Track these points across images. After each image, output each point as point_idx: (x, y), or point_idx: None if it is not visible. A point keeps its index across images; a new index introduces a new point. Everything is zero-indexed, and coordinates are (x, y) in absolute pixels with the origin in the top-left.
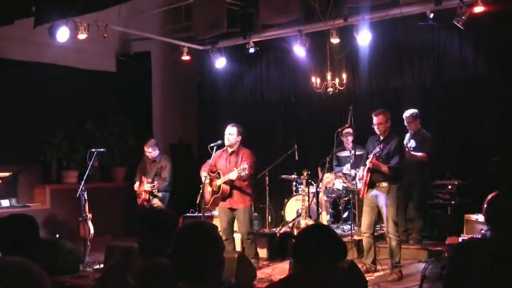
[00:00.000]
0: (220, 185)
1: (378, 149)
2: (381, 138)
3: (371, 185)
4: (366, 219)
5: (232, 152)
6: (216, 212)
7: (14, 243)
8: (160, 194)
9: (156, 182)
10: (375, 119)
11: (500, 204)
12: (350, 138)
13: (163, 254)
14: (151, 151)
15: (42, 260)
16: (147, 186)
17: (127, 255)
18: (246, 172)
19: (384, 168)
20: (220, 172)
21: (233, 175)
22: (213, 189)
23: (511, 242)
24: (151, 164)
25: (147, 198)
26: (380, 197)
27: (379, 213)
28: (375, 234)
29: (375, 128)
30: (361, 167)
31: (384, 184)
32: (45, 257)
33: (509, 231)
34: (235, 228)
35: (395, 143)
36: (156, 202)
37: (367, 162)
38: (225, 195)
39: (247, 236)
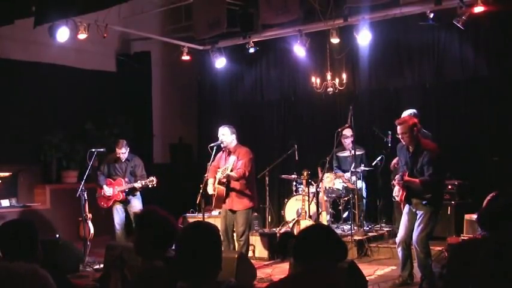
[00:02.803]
0: (216, 187)
1: (398, 177)
2: (410, 148)
3: (408, 201)
4: (401, 230)
5: (230, 152)
6: (215, 212)
7: (14, 249)
8: (137, 194)
9: (153, 178)
10: (398, 129)
11: (492, 209)
12: (347, 141)
13: (158, 257)
14: (124, 151)
15: (42, 260)
16: (137, 184)
17: (123, 253)
18: (229, 172)
19: (416, 182)
20: None
21: (218, 175)
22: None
23: (509, 241)
24: (123, 164)
25: (125, 198)
26: (418, 212)
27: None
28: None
29: (400, 138)
30: (396, 179)
31: (423, 204)
32: (45, 257)
33: (505, 231)
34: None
35: (427, 157)
36: (135, 205)
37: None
38: (222, 197)
39: (239, 238)
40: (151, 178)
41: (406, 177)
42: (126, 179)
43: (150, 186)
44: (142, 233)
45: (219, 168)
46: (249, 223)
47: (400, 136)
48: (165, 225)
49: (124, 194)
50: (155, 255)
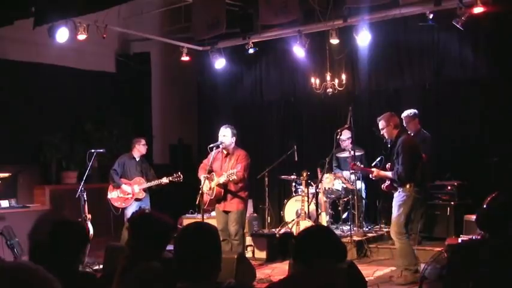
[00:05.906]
0: (214, 187)
1: (376, 162)
2: (391, 142)
3: (394, 189)
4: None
5: (228, 154)
6: (215, 213)
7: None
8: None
9: (180, 173)
10: (379, 125)
11: (492, 209)
12: (344, 144)
13: (155, 258)
14: (146, 145)
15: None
16: (165, 180)
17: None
18: (235, 177)
19: (390, 176)
20: (214, 173)
21: (222, 179)
22: (208, 191)
23: (509, 241)
24: (138, 164)
25: (145, 196)
26: (395, 197)
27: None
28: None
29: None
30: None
31: (400, 187)
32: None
33: (505, 231)
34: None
35: (397, 146)
36: (147, 203)
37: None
38: (219, 197)
39: (234, 237)
40: (178, 174)
41: (376, 173)
42: (145, 178)
43: (176, 181)
44: (138, 235)
45: (211, 167)
46: (242, 223)
47: (381, 132)
48: (161, 226)
49: (145, 191)
50: (152, 257)
